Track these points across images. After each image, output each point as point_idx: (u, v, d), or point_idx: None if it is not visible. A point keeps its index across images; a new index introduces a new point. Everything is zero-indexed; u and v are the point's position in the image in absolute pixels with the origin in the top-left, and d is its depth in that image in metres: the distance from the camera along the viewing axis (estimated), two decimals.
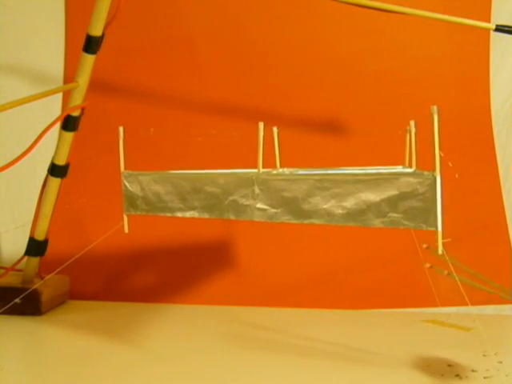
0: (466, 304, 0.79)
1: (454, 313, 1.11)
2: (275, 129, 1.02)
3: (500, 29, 0.96)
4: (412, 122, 0.99)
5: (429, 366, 0.91)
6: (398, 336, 1.08)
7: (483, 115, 1.27)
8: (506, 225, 1.26)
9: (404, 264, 1.26)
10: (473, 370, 0.89)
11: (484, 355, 0.94)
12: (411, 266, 1.18)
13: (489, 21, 1.22)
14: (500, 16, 1.24)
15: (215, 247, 1.34)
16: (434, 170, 0.72)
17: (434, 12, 0.99)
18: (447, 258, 0.85)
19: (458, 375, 0.87)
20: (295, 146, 1.19)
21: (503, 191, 1.27)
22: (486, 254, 1.25)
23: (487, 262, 1.24)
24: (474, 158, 1.26)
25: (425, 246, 0.91)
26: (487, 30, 1.05)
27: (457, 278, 0.82)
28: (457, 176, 0.78)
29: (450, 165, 0.73)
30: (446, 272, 0.84)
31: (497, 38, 1.24)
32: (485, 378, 0.86)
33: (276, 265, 1.31)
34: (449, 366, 0.91)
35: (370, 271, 1.28)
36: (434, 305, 1.08)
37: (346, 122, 1.29)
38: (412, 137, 0.99)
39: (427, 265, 0.85)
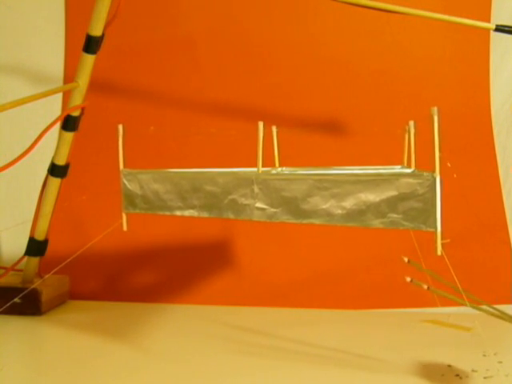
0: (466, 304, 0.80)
1: (454, 313, 1.11)
2: (274, 128, 1.03)
3: (500, 29, 0.96)
4: (411, 123, 0.99)
5: (429, 365, 0.91)
6: (397, 336, 1.08)
7: (483, 115, 1.27)
8: (506, 225, 1.26)
9: (404, 264, 1.25)
10: (473, 370, 0.89)
11: (484, 355, 0.94)
12: (411, 265, 1.18)
13: (489, 21, 1.22)
14: (500, 16, 1.24)
15: (215, 247, 1.34)
16: (433, 170, 0.72)
17: (434, 12, 0.99)
18: (426, 271, 0.86)
19: (458, 375, 0.87)
20: (295, 145, 1.19)
21: (503, 191, 1.27)
22: (486, 254, 1.25)
23: (487, 262, 1.25)
24: (473, 158, 1.26)
25: (406, 259, 0.91)
26: (487, 30, 1.05)
27: (437, 293, 0.83)
28: (455, 176, 0.78)
29: (449, 165, 0.73)
30: (426, 286, 0.84)
31: (497, 38, 1.24)
32: (485, 378, 0.86)
33: (276, 265, 1.31)
34: (449, 366, 0.91)
35: (369, 271, 1.28)
36: (434, 305, 1.08)
37: (345, 121, 1.29)
38: (411, 137, 0.99)
39: (408, 279, 0.85)
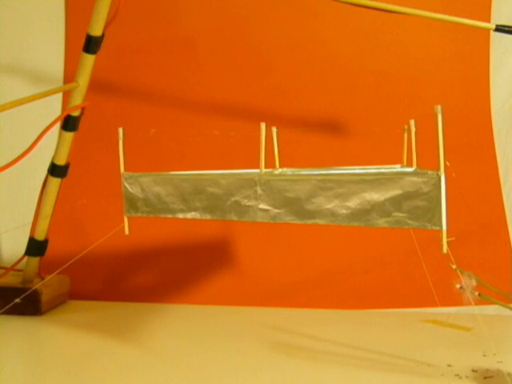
0: (466, 304, 0.80)
1: (454, 313, 1.11)
2: (274, 129, 1.03)
3: (500, 29, 0.96)
4: (412, 122, 1.00)
5: (429, 365, 0.91)
6: (398, 336, 1.08)
7: (483, 115, 1.27)
8: (506, 225, 1.26)
9: (404, 264, 1.26)
10: (473, 370, 0.89)
11: (484, 355, 0.94)
12: (411, 266, 1.18)
13: (489, 21, 1.22)
14: (500, 16, 1.24)
15: (215, 247, 1.34)
16: (434, 168, 0.72)
17: (434, 12, 0.99)
18: (472, 277, 0.84)
19: (457, 375, 0.87)
20: (295, 145, 1.19)
21: (503, 191, 1.27)
22: (486, 254, 1.25)
23: (487, 262, 1.25)
24: (474, 158, 1.26)
25: (454, 266, 0.90)
26: (487, 30, 1.05)
27: (489, 300, 0.82)
28: (454, 175, 0.78)
29: (448, 164, 0.73)
30: (477, 293, 0.83)
31: (497, 38, 1.24)
32: (485, 378, 0.86)
33: (276, 265, 1.31)
34: (449, 366, 0.91)
35: (370, 271, 1.28)
36: (434, 305, 1.08)
37: (346, 122, 1.29)
38: (412, 136, 0.99)
39: (457, 285, 0.84)
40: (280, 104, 1.31)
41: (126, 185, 0.97)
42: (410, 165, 1.00)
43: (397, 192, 0.76)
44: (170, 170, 0.97)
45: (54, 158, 1.13)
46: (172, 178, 0.93)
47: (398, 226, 0.76)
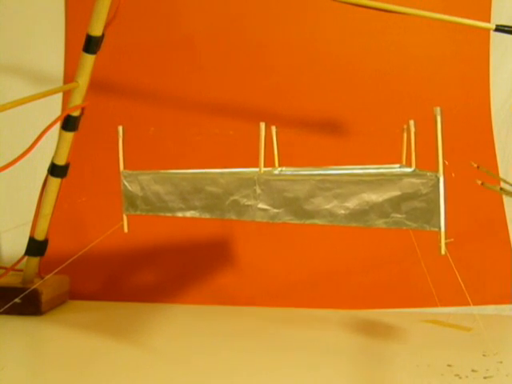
0: (466, 304, 0.80)
1: (454, 313, 1.11)
2: (274, 128, 1.03)
3: (500, 29, 0.96)
4: (411, 122, 1.00)
5: (429, 366, 0.91)
6: (397, 336, 1.08)
7: (483, 115, 1.27)
8: (506, 225, 1.26)
9: (404, 264, 1.26)
10: (473, 370, 0.89)
11: (484, 355, 0.94)
12: (411, 265, 1.18)
13: (489, 21, 1.22)
14: (500, 16, 1.24)
15: (215, 247, 1.34)
16: (433, 168, 0.72)
17: (434, 12, 0.99)
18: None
19: (457, 375, 0.87)
20: (295, 145, 1.19)
21: None
22: (486, 254, 1.25)
23: (487, 262, 1.25)
24: (473, 158, 1.25)
25: (475, 165, 0.89)
26: (487, 30, 1.05)
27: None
28: (453, 175, 0.78)
29: (447, 163, 0.73)
30: (498, 187, 0.84)
31: (497, 38, 1.24)
32: (485, 378, 0.86)
33: (276, 265, 1.31)
34: (449, 366, 0.91)
35: (370, 271, 1.28)
36: (434, 305, 1.08)
37: (345, 121, 1.29)
38: (411, 136, 0.99)
39: (479, 181, 0.85)
40: (280, 104, 1.31)
41: (126, 183, 0.97)
42: (409, 165, 1.00)
43: (395, 193, 0.76)
44: (170, 169, 0.97)
45: (54, 158, 1.13)
46: (171, 177, 0.94)
47: (396, 226, 0.76)
